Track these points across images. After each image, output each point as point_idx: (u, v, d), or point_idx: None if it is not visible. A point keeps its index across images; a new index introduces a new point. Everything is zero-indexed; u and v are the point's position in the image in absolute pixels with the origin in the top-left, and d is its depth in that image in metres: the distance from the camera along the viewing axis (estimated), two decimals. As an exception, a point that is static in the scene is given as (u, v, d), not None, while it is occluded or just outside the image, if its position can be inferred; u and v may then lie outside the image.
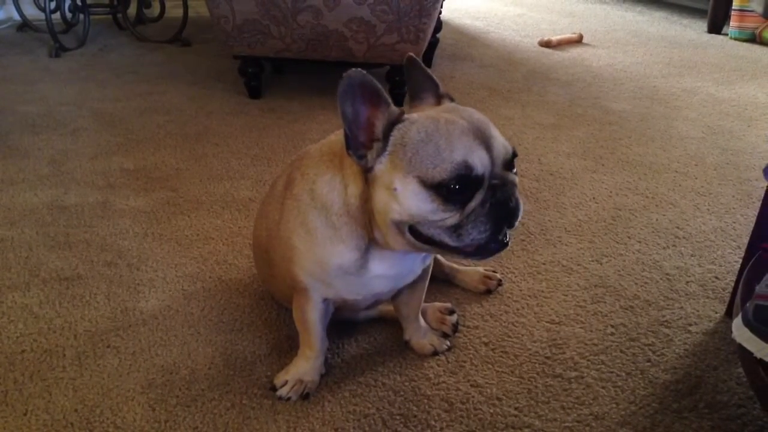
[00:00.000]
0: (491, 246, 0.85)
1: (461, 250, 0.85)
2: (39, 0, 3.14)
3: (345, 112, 0.82)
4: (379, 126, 0.84)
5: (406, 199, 0.83)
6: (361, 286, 0.99)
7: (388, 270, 0.97)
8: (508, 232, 0.86)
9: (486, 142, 0.83)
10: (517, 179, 0.87)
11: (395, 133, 0.84)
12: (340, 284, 0.98)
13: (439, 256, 1.33)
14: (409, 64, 0.96)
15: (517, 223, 0.87)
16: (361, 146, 0.85)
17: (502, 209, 0.84)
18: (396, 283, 1.03)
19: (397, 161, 0.83)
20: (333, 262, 0.94)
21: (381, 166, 0.85)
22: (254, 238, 1.19)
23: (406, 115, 0.85)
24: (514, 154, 0.88)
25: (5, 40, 3.11)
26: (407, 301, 1.13)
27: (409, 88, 0.96)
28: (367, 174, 0.87)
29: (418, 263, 1.01)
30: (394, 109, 0.84)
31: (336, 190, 0.91)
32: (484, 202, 0.83)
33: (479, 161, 0.82)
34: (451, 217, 0.83)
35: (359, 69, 0.80)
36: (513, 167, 0.88)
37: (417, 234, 0.86)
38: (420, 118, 0.85)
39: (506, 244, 0.86)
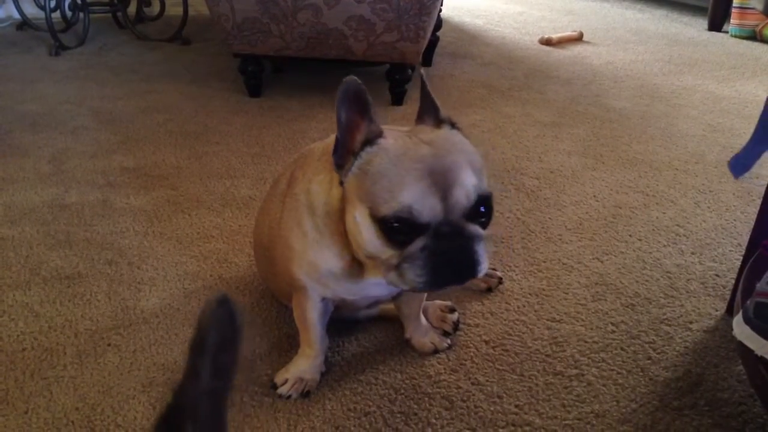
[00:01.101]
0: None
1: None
2: (39, -1, 3.14)
3: (340, 117, 0.83)
4: (358, 140, 0.84)
5: (362, 228, 0.83)
6: (357, 289, 0.98)
7: (381, 280, 0.95)
8: (462, 284, 0.86)
9: (444, 190, 0.80)
10: (480, 232, 0.84)
11: (363, 155, 0.84)
12: (335, 287, 0.98)
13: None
14: (422, 83, 0.95)
15: (479, 273, 0.84)
16: (346, 154, 0.85)
17: (444, 260, 0.81)
18: (394, 288, 1.00)
19: (357, 186, 0.83)
20: (323, 267, 0.94)
21: (347, 187, 0.85)
22: (255, 235, 1.19)
23: (382, 139, 0.84)
24: (482, 202, 0.84)
25: (5, 38, 3.10)
26: (408, 300, 1.13)
27: (420, 105, 0.95)
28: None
29: None
30: (375, 127, 0.84)
31: (324, 191, 0.91)
32: (424, 248, 0.81)
33: (427, 209, 0.80)
34: (393, 257, 0.83)
35: (355, 78, 0.80)
36: (482, 218, 0.85)
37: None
38: (392, 146, 0.83)
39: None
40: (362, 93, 0.82)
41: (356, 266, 0.93)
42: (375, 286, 0.97)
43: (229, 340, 0.43)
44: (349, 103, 0.82)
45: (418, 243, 0.81)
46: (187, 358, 0.42)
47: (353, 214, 0.84)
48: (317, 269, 0.95)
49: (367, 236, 0.83)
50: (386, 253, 0.83)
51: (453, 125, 0.91)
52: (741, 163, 1.08)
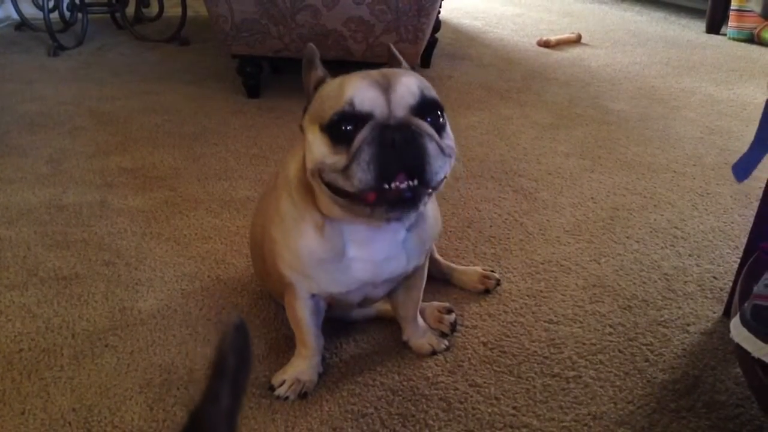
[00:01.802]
0: (388, 195, 0.79)
1: (362, 199, 0.81)
2: (37, -1, 3.14)
3: (304, 83, 0.92)
4: (311, 89, 0.92)
5: (312, 146, 0.85)
6: (341, 273, 0.96)
7: (365, 252, 0.94)
8: (415, 184, 0.80)
9: (385, 85, 0.81)
10: (431, 130, 0.82)
11: (315, 95, 0.90)
12: (320, 275, 0.97)
13: (437, 257, 1.34)
14: (388, 53, 1.05)
15: (430, 177, 0.80)
16: (307, 107, 0.91)
17: (391, 153, 0.78)
18: (379, 271, 0.97)
19: (311, 114, 0.88)
20: (302, 246, 0.94)
21: (304, 124, 0.90)
22: (251, 235, 1.19)
23: (329, 77, 0.91)
24: (430, 106, 0.83)
25: (3, 39, 3.10)
26: (404, 300, 1.13)
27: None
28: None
29: (397, 248, 0.97)
30: (320, 72, 0.91)
31: (295, 162, 0.94)
32: (369, 141, 0.79)
33: (367, 100, 0.80)
34: (340, 159, 0.81)
35: (311, 44, 0.93)
36: (430, 116, 0.83)
37: (328, 185, 0.84)
38: (338, 77, 0.89)
39: (405, 195, 0.80)
40: (309, 53, 0.92)
41: (335, 239, 0.93)
42: (358, 265, 0.95)
43: (244, 363, 0.45)
44: (306, 66, 0.92)
45: (363, 134, 0.80)
46: (207, 382, 0.44)
47: (307, 139, 0.87)
48: (297, 254, 0.95)
49: (317, 151, 0.84)
50: (336, 159, 0.81)
51: (401, 64, 0.99)
52: (743, 168, 1.08)
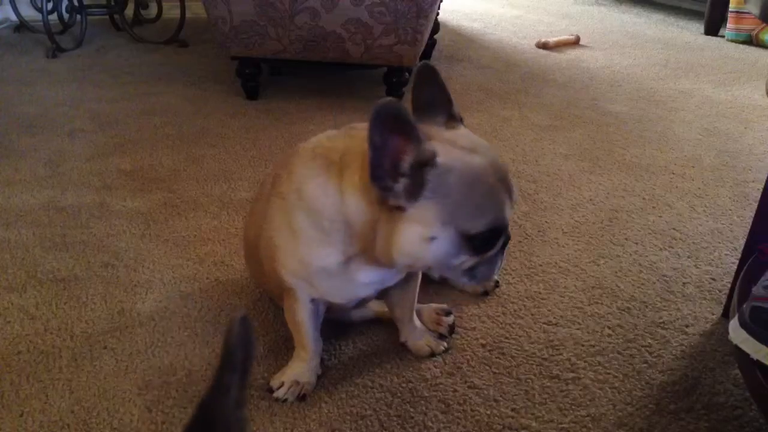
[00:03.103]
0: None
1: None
2: (36, 1, 3.13)
3: (373, 140, 0.78)
4: (407, 161, 0.80)
5: (440, 247, 0.84)
6: (345, 291, 0.99)
7: (373, 278, 0.97)
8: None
9: (510, 194, 0.87)
10: None
11: (432, 179, 0.81)
12: (324, 286, 0.98)
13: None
14: (425, 73, 0.91)
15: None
16: (386, 177, 0.81)
17: (506, 246, 0.91)
18: (380, 285, 1.02)
19: (439, 210, 0.82)
20: (316, 264, 0.94)
21: (416, 211, 0.82)
22: (245, 237, 1.19)
23: (438, 158, 0.81)
24: None
25: (2, 41, 3.10)
26: (399, 302, 1.13)
27: (416, 97, 0.91)
28: (386, 207, 0.83)
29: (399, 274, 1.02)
30: (425, 148, 0.80)
31: (330, 197, 0.89)
32: (502, 245, 0.90)
33: (507, 215, 0.87)
34: (468, 261, 0.87)
35: (393, 99, 0.78)
36: None
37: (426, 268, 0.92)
38: (454, 163, 0.82)
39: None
40: (404, 115, 0.77)
41: (354, 262, 0.93)
42: (363, 288, 0.99)
43: (248, 356, 0.47)
44: (391, 126, 0.78)
45: (499, 244, 0.89)
46: (217, 375, 0.46)
47: (423, 236, 0.83)
48: (308, 267, 0.95)
49: (444, 251, 0.84)
50: (465, 261, 0.87)
51: (461, 120, 0.92)
52: None
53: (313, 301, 1.02)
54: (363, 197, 0.86)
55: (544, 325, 1.23)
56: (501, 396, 1.06)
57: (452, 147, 0.84)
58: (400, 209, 0.83)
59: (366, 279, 0.96)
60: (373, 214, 0.86)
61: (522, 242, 1.51)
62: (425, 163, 0.80)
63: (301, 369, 1.06)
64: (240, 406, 0.46)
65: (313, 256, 0.94)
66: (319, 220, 0.91)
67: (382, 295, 1.11)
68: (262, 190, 1.08)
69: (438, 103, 0.90)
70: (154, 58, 2.88)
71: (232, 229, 1.53)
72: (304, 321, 1.03)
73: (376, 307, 1.22)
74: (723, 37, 3.48)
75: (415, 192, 0.81)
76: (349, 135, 0.93)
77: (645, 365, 1.14)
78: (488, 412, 1.03)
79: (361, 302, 1.10)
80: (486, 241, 0.86)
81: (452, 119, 0.90)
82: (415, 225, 0.83)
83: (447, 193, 0.81)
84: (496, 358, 1.15)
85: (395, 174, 0.81)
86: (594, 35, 3.49)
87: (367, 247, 0.89)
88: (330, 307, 1.07)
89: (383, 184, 0.81)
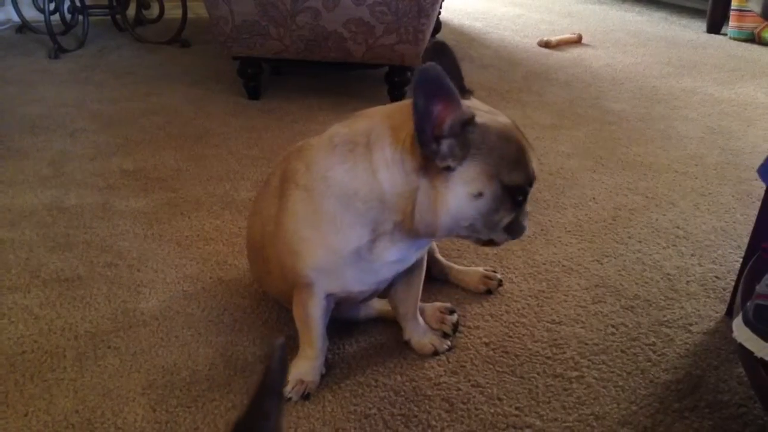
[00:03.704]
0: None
1: (493, 242, 0.95)
2: (38, 1, 3.14)
3: (417, 106, 0.81)
4: (448, 124, 0.84)
5: (486, 203, 0.87)
6: (369, 275, 0.99)
7: (398, 256, 0.98)
8: None
9: (532, 149, 0.93)
10: None
11: (475, 137, 0.86)
12: (351, 273, 0.98)
13: (438, 257, 1.34)
14: (438, 48, 0.95)
15: None
16: (432, 141, 0.84)
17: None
18: (400, 267, 1.03)
19: (484, 166, 0.87)
20: (347, 249, 0.94)
21: (463, 169, 0.86)
22: (248, 236, 1.18)
23: (478, 118, 0.87)
24: None
25: (4, 41, 3.10)
26: (404, 298, 1.13)
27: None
28: (429, 170, 0.87)
29: (416, 244, 1.00)
30: (465, 109, 0.85)
31: (360, 178, 0.91)
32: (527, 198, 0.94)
33: (536, 167, 0.92)
34: (506, 216, 0.91)
35: (433, 63, 0.81)
36: None
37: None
38: (489, 122, 0.89)
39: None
40: (444, 78, 0.81)
41: (381, 241, 0.94)
42: (387, 266, 0.99)
43: (282, 379, 0.48)
44: (433, 90, 0.81)
45: (528, 197, 0.93)
46: (255, 400, 0.46)
47: (471, 192, 0.87)
48: (337, 253, 0.95)
49: (488, 206, 0.88)
50: (504, 216, 0.91)
51: (472, 93, 0.99)
52: None
53: (327, 296, 1.02)
54: (398, 170, 0.89)
55: (548, 324, 1.23)
56: (505, 394, 1.06)
57: (478, 110, 0.90)
58: (447, 170, 0.86)
59: (392, 257, 0.96)
60: (410, 184, 0.88)
61: (525, 241, 1.51)
62: (467, 123, 0.85)
63: (305, 368, 1.06)
64: (280, 429, 0.47)
65: (345, 241, 0.94)
66: (353, 203, 0.92)
67: (386, 292, 1.11)
68: (267, 187, 1.08)
69: (451, 77, 0.91)
70: (156, 59, 2.88)
71: (235, 228, 1.53)
72: (316, 317, 1.03)
73: (380, 306, 1.22)
74: (725, 35, 3.47)
75: (462, 151, 0.85)
76: (367, 116, 0.95)
77: (649, 363, 1.14)
78: (492, 411, 1.03)
79: (373, 294, 1.10)
80: (524, 193, 0.91)
81: (464, 92, 0.96)
82: (462, 183, 0.87)
83: (490, 149, 0.87)
84: (500, 356, 1.15)
85: (440, 136, 0.84)
86: (596, 34, 3.48)
87: (404, 220, 0.91)
88: (338, 304, 1.08)
89: (430, 147, 0.84)
